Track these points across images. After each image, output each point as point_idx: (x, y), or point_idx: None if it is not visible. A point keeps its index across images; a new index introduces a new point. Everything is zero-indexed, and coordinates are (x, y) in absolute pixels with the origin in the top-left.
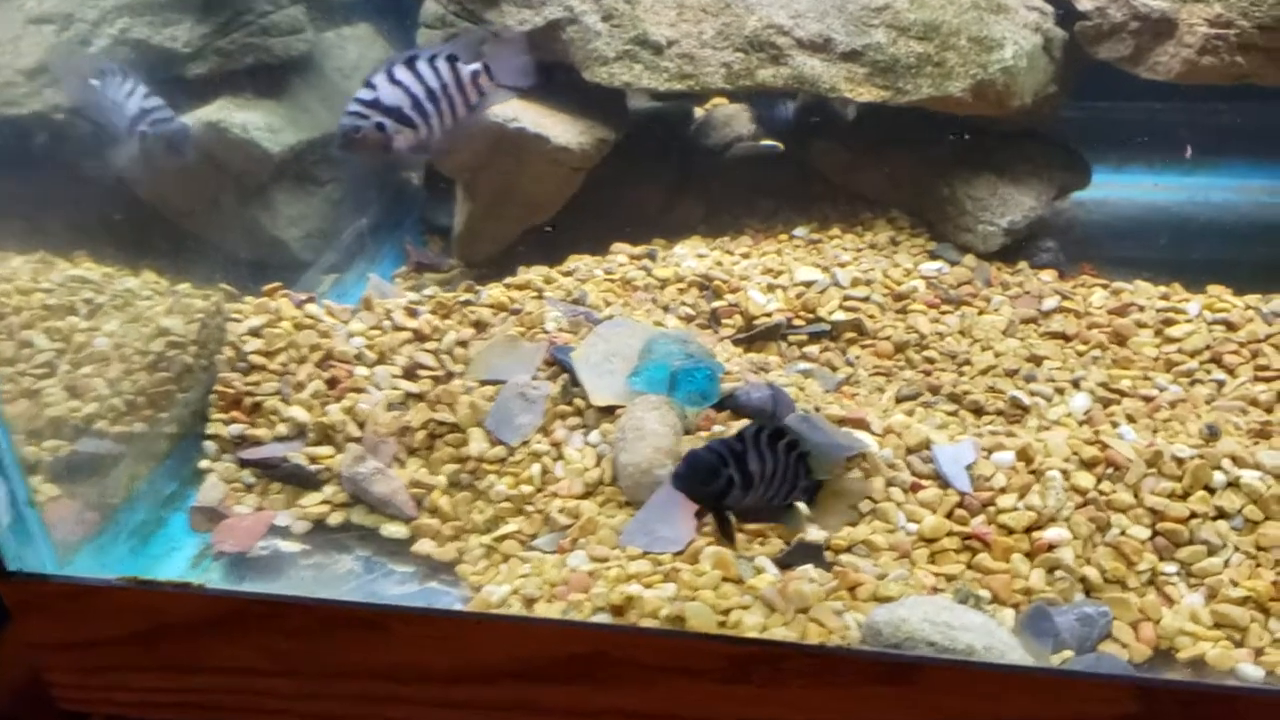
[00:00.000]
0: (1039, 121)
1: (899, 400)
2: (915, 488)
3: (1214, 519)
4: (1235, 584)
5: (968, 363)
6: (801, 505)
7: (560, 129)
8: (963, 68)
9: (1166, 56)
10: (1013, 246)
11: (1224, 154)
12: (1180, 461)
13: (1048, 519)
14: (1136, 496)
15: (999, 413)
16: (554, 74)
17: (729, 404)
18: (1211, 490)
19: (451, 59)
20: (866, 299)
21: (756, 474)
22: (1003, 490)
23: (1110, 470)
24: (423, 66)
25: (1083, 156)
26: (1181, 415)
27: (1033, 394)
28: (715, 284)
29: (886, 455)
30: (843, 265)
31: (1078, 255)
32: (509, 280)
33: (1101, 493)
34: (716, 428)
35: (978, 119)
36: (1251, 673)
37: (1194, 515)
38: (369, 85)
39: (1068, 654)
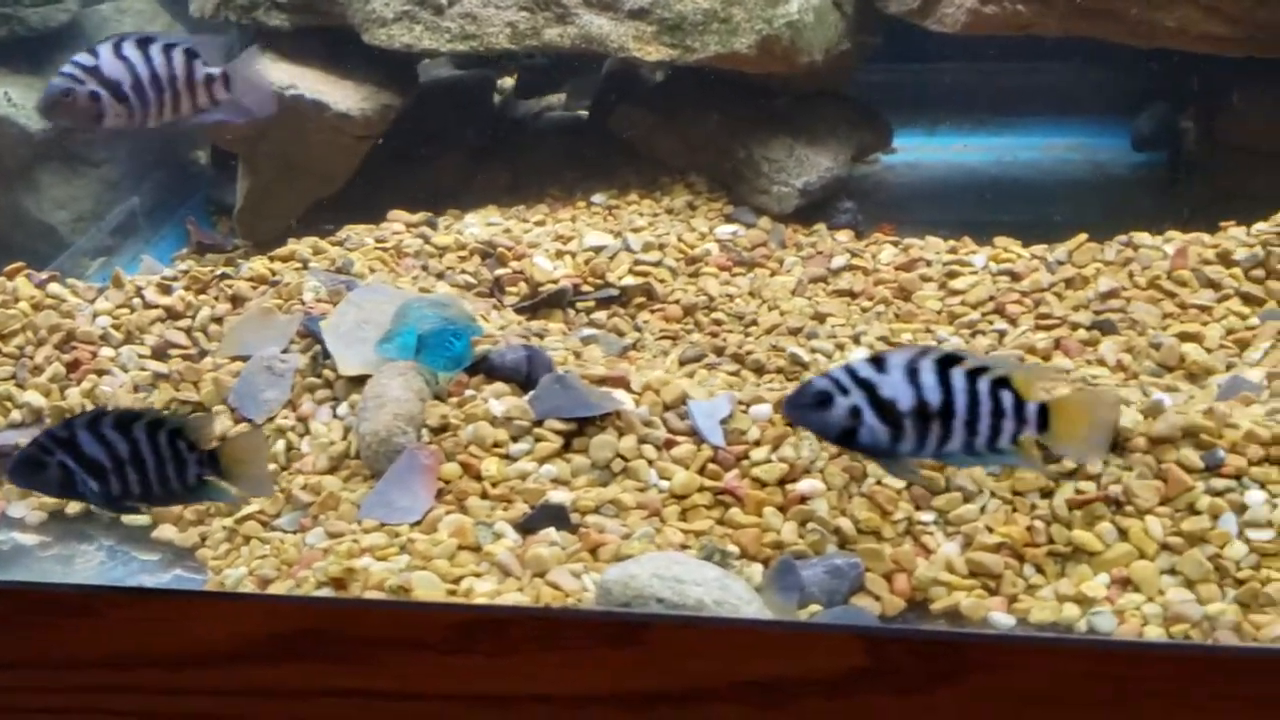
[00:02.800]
0: (838, 83)
1: (682, 363)
2: (669, 444)
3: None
4: (991, 530)
5: (754, 323)
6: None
7: (341, 95)
8: (748, 23)
9: (953, 8)
10: (810, 208)
11: (1030, 114)
12: None
13: (801, 471)
14: None
15: (779, 370)
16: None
17: (483, 367)
18: None
19: (190, 54)
20: (659, 263)
21: None
22: (757, 443)
23: None
24: (155, 51)
25: (883, 117)
26: None
27: (814, 351)
28: (499, 251)
29: (643, 413)
30: (636, 230)
31: (881, 216)
32: (273, 252)
33: None
34: (469, 392)
35: (776, 80)
36: (1002, 620)
37: None
38: (92, 52)
39: (815, 608)
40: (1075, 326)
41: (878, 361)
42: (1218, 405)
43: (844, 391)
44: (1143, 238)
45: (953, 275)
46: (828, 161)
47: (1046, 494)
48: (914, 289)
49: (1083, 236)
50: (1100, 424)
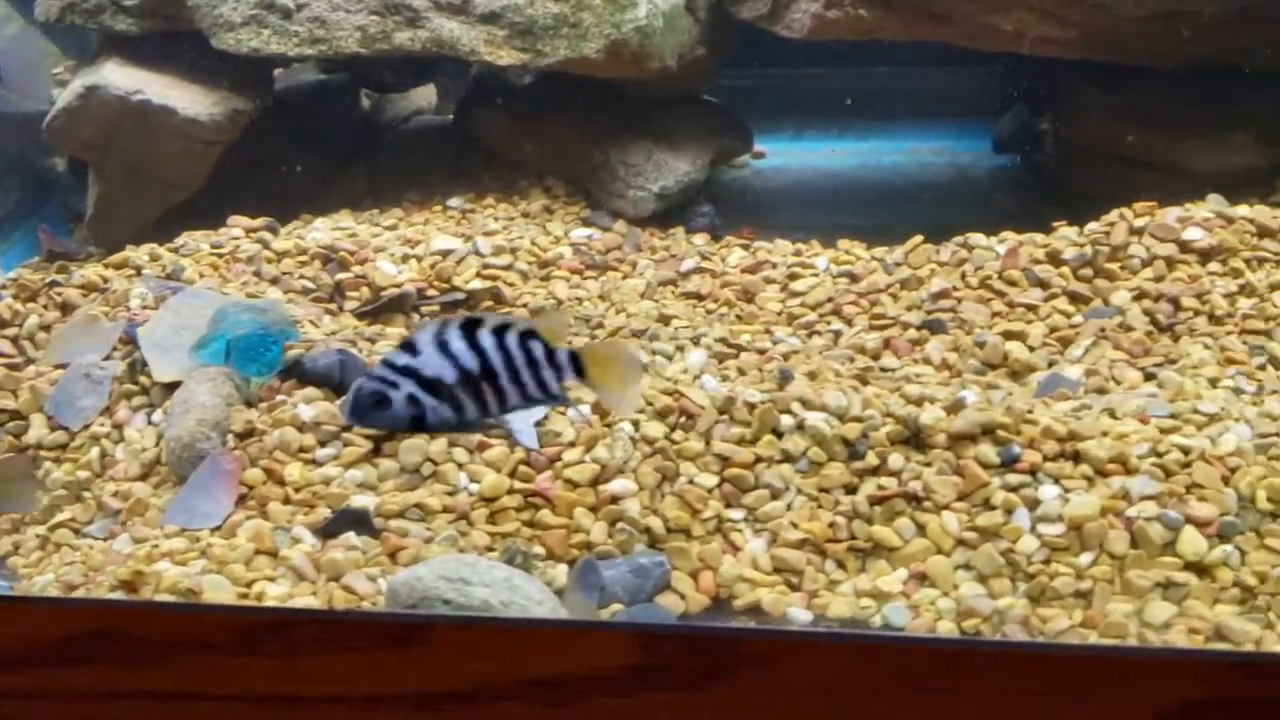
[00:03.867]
0: (699, 87)
1: None
2: (482, 447)
3: (780, 462)
4: (796, 526)
5: (601, 325)
6: None
7: (189, 100)
8: (597, 28)
9: (800, 13)
10: (669, 211)
11: (896, 118)
12: (752, 407)
13: (615, 471)
14: (707, 444)
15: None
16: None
17: (296, 372)
18: (780, 434)
19: None
20: (509, 267)
21: None
22: (572, 444)
23: (684, 419)
24: None
25: (743, 122)
26: (798, 366)
27: (654, 353)
28: (340, 255)
29: None
30: (489, 234)
31: (742, 220)
32: (107, 260)
33: (672, 441)
34: (280, 398)
35: (636, 84)
36: (800, 616)
37: (760, 460)
38: None
39: (617, 607)
40: (906, 326)
41: (409, 346)
42: (1016, 402)
43: (394, 385)
44: (977, 238)
45: (794, 277)
46: (686, 166)
47: (851, 490)
48: (757, 291)
49: (918, 238)
50: (629, 370)
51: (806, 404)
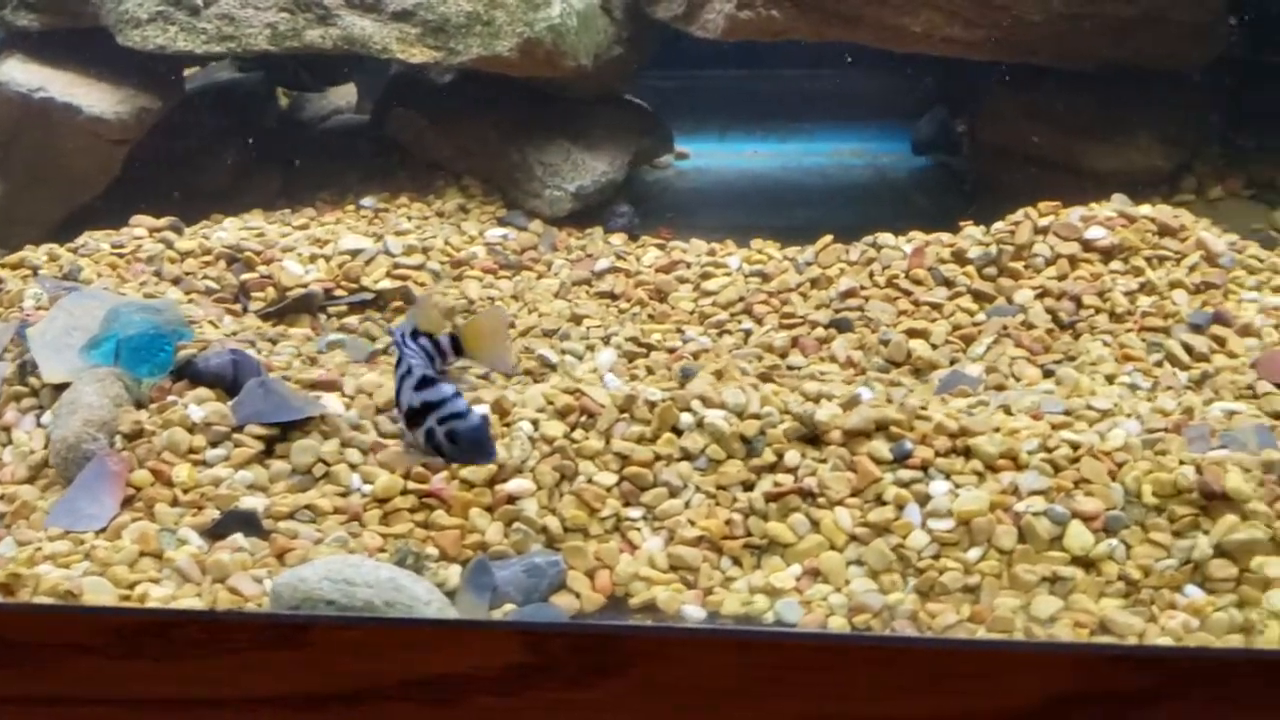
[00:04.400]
0: (616, 86)
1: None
2: (376, 448)
3: (679, 460)
4: (693, 524)
5: (512, 325)
6: None
7: (95, 98)
8: (510, 26)
9: (714, 14)
10: (587, 211)
11: (819, 120)
12: (652, 405)
13: (513, 471)
14: (607, 442)
15: (527, 372)
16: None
17: (188, 372)
18: (679, 432)
19: None
20: (420, 266)
21: None
22: None
23: (584, 418)
24: None
25: (663, 122)
26: (707, 365)
27: (563, 352)
28: (246, 255)
29: (352, 417)
30: (401, 234)
31: (663, 220)
32: (3, 260)
33: (572, 440)
34: (170, 398)
35: (555, 83)
36: (694, 613)
37: (659, 458)
38: None
39: (510, 607)
40: (815, 325)
41: (431, 382)
42: (909, 399)
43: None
44: (886, 238)
45: (707, 277)
46: (604, 166)
47: (748, 487)
48: (670, 290)
49: (828, 238)
50: (497, 331)
51: (707, 402)
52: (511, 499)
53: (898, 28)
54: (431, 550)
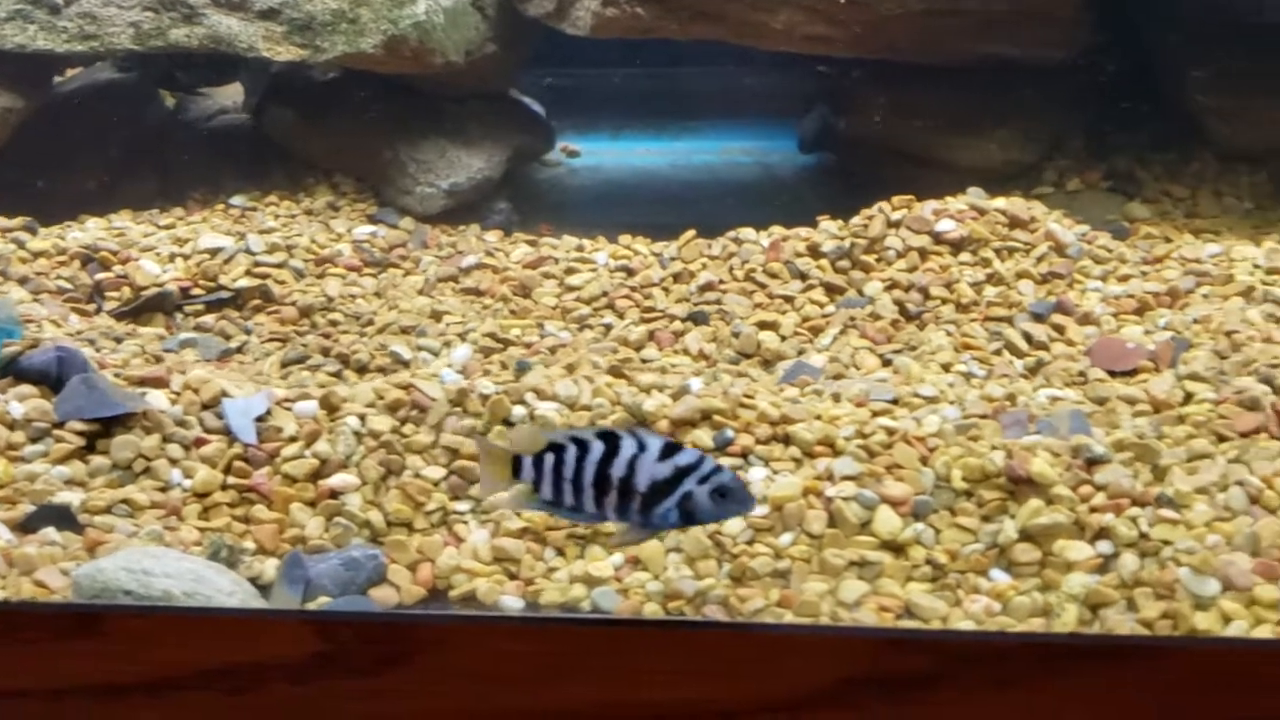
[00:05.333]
0: (493, 83)
1: (285, 364)
2: (200, 442)
3: None
4: (518, 516)
5: (371, 323)
6: None
7: None
8: (375, 24)
9: (582, 11)
10: (462, 208)
11: (710, 119)
12: (485, 398)
13: (337, 466)
14: (437, 436)
15: (380, 370)
16: None
17: (11, 369)
18: (511, 424)
19: None
20: (282, 265)
21: None
22: (293, 439)
23: (415, 412)
24: None
25: (545, 120)
26: (563, 359)
27: (419, 349)
28: (101, 255)
29: (176, 412)
30: (266, 232)
31: (547, 217)
32: None
33: (401, 435)
34: None
35: (432, 81)
36: (512, 603)
37: None
38: None
39: (324, 599)
40: (673, 318)
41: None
42: (733, 388)
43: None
44: (747, 233)
45: (571, 272)
46: (480, 163)
47: None
48: (534, 286)
49: (691, 233)
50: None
51: (540, 394)
52: (334, 494)
53: (759, 25)
54: (249, 544)
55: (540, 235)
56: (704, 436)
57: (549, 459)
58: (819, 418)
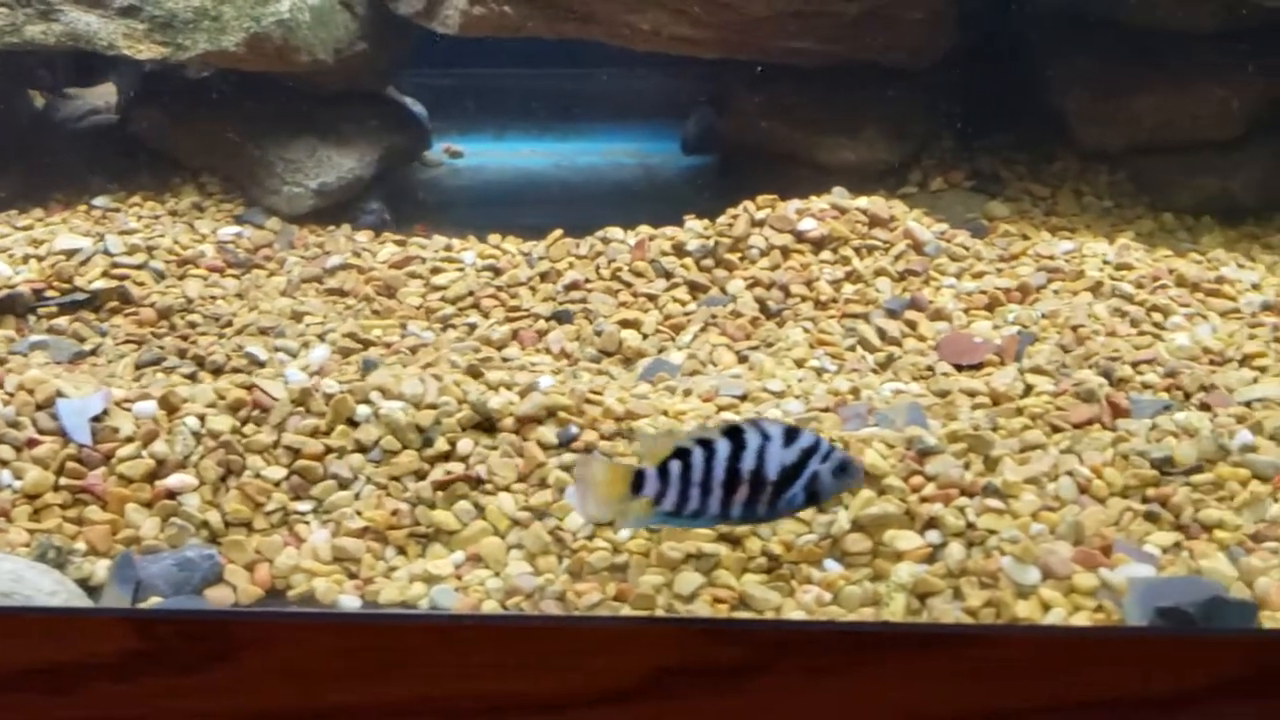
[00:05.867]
0: (366, 82)
1: (139, 367)
2: (32, 443)
3: (352, 452)
4: (359, 515)
5: (230, 324)
6: None
7: None
8: (238, 21)
9: (451, 10)
10: (333, 208)
11: (595, 120)
12: (329, 397)
13: (175, 466)
14: (279, 436)
15: (236, 370)
16: None
17: None
18: (355, 424)
19: None
20: (142, 266)
21: None
22: (130, 440)
23: (256, 412)
24: None
25: (420, 120)
26: (423, 358)
27: (276, 350)
28: None
29: (9, 414)
30: (127, 233)
31: (423, 218)
32: None
33: (242, 435)
34: None
35: (304, 80)
36: (349, 602)
37: (331, 450)
38: None
39: (155, 600)
40: (537, 318)
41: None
42: (578, 384)
43: None
44: (615, 232)
45: (437, 271)
46: (351, 163)
47: (422, 477)
48: (399, 286)
49: (558, 232)
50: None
51: (385, 393)
52: (171, 494)
53: (628, 25)
54: (79, 545)
55: (414, 235)
56: (548, 433)
57: (675, 466)
58: (665, 413)
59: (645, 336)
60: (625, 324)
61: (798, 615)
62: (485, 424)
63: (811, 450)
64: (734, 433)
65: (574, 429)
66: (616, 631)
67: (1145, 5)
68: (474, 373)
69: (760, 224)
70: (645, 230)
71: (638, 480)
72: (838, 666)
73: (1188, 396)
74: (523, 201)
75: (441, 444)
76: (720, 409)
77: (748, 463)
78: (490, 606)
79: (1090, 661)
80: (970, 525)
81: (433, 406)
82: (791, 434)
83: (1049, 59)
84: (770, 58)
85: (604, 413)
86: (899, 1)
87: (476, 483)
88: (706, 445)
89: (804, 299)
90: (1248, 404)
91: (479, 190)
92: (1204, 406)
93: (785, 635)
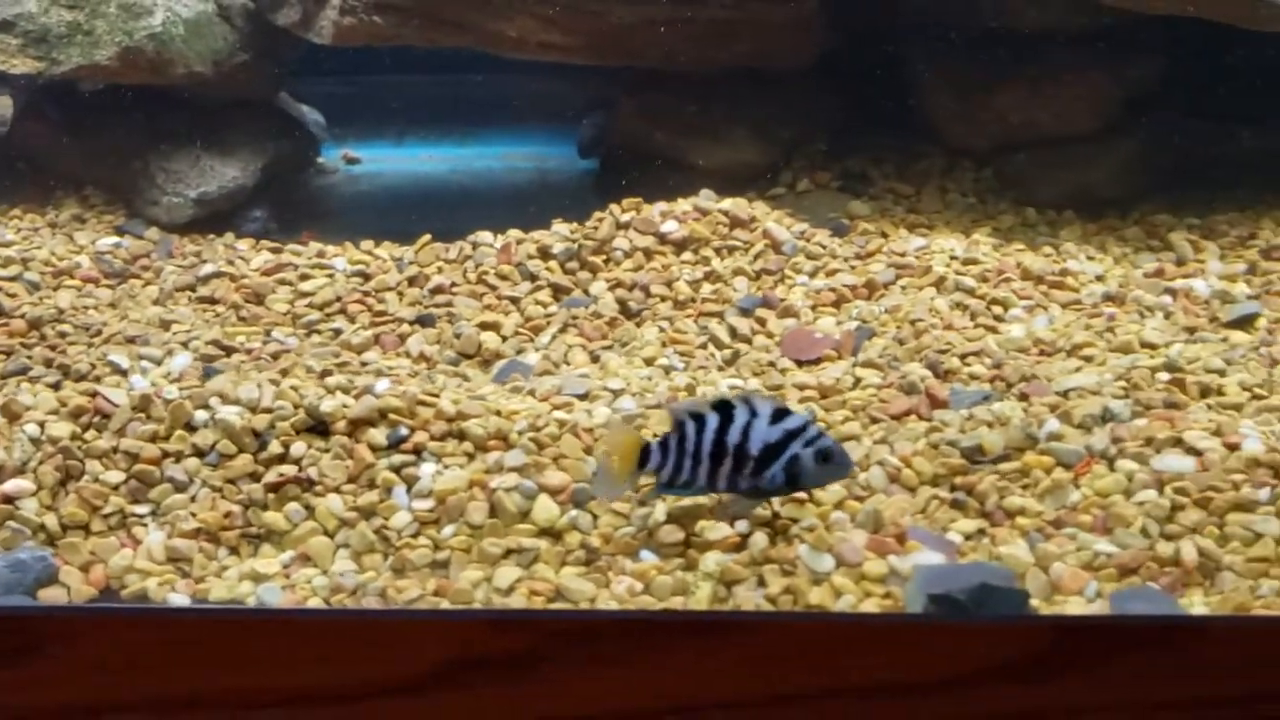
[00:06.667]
0: (252, 92)
1: (4, 376)
2: None
3: (189, 456)
4: (194, 516)
5: (99, 334)
6: None
7: None
8: (109, 35)
9: (326, 20)
10: (216, 217)
11: (494, 125)
12: (168, 403)
13: (13, 471)
14: (118, 441)
15: (98, 379)
16: None
17: None
18: (193, 428)
19: None
20: (16, 278)
21: None
22: None
23: (97, 418)
24: None
25: (308, 127)
26: (284, 365)
27: (140, 358)
28: None
29: None
30: (4, 245)
31: (315, 225)
32: None
33: (81, 441)
34: None
35: (187, 91)
36: (179, 601)
37: (169, 455)
38: None
39: None
40: (402, 322)
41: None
42: (410, 386)
43: None
44: (484, 236)
45: (306, 278)
46: (235, 171)
47: (257, 479)
48: (267, 293)
49: (427, 236)
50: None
51: (224, 398)
52: (8, 499)
53: (497, 33)
54: None
55: (299, 243)
56: (379, 435)
57: (673, 438)
58: (498, 413)
59: (505, 339)
60: (485, 326)
61: (611, 605)
62: (319, 427)
63: (796, 432)
64: (723, 406)
65: (403, 430)
66: (406, 624)
67: (1006, 7)
68: (326, 375)
69: (625, 226)
70: (514, 234)
71: (644, 454)
72: (621, 655)
73: (1009, 387)
74: (415, 207)
75: (276, 447)
76: (555, 407)
77: (733, 436)
78: (315, 604)
79: (867, 648)
80: (776, 515)
81: (268, 411)
82: (780, 414)
83: (918, 60)
84: (646, 63)
85: (436, 414)
86: (773, 6)
87: (308, 484)
88: (697, 418)
89: (664, 299)
90: (1064, 393)
91: (373, 197)
92: (1022, 396)
93: (568, 625)
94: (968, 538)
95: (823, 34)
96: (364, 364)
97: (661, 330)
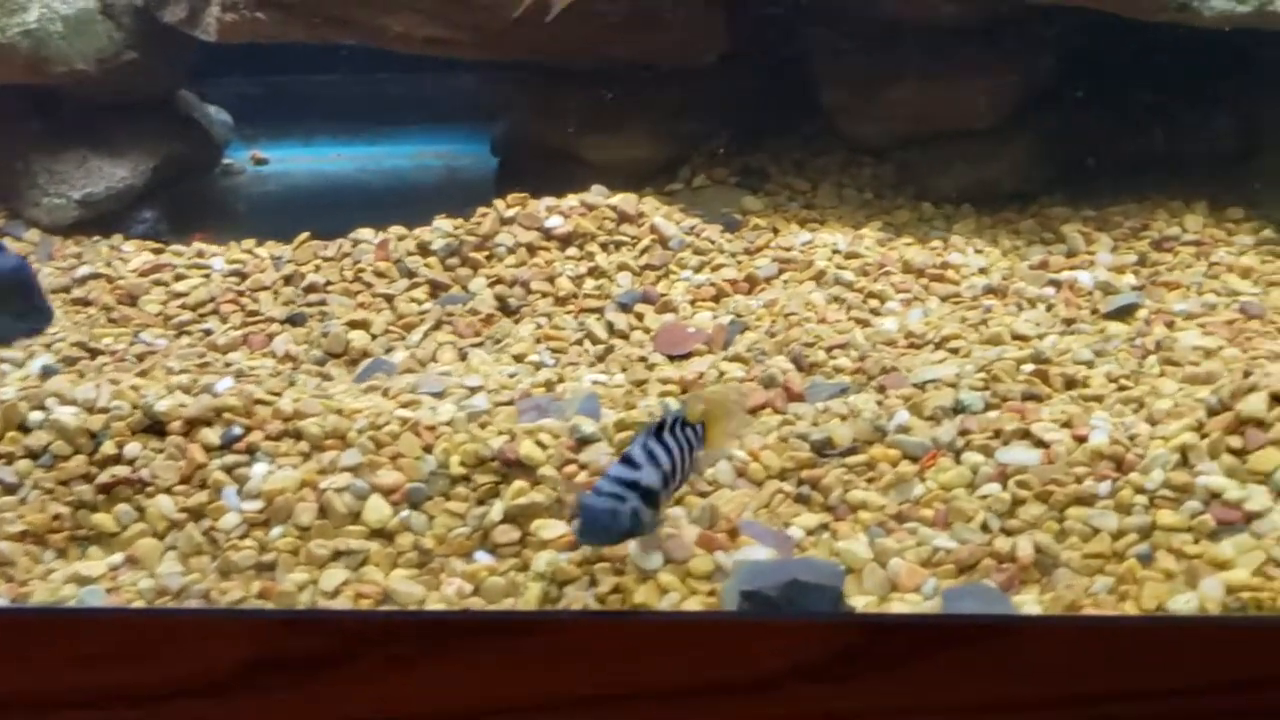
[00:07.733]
0: (145, 91)
1: None
2: None
3: (22, 458)
4: (21, 519)
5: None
6: None
7: None
8: None
9: (210, 18)
10: (104, 219)
11: (406, 124)
12: (2, 404)
13: None
14: None
15: None
16: None
17: None
18: (27, 429)
19: None
20: None
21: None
22: None
23: None
24: None
25: (205, 127)
26: (146, 366)
27: (2, 360)
28: None
29: None
30: None
31: (208, 225)
32: None
33: None
34: None
35: (75, 90)
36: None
37: (2, 456)
38: None
39: None
40: (273, 321)
41: (629, 461)
42: (247, 385)
43: (621, 499)
44: (364, 233)
45: (180, 278)
46: (124, 172)
47: (91, 480)
48: (140, 294)
49: (305, 234)
50: (735, 412)
51: (61, 398)
52: None
53: (382, 28)
54: None
55: (185, 244)
56: (213, 435)
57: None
58: (339, 412)
59: (374, 337)
60: (354, 325)
61: (440, 607)
62: (155, 427)
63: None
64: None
65: (236, 429)
66: (205, 623)
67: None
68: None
69: (509, 222)
70: (394, 230)
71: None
72: (421, 656)
73: (870, 380)
74: (319, 207)
75: (110, 448)
76: (401, 405)
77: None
78: (140, 604)
79: (671, 647)
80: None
81: (104, 410)
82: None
83: (818, 54)
84: (542, 60)
85: (273, 413)
86: (671, 2)
87: (140, 486)
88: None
89: (544, 295)
90: (920, 385)
91: (279, 197)
92: (880, 389)
93: (366, 626)
94: (810, 533)
95: (727, 28)
96: (227, 365)
97: (538, 326)
